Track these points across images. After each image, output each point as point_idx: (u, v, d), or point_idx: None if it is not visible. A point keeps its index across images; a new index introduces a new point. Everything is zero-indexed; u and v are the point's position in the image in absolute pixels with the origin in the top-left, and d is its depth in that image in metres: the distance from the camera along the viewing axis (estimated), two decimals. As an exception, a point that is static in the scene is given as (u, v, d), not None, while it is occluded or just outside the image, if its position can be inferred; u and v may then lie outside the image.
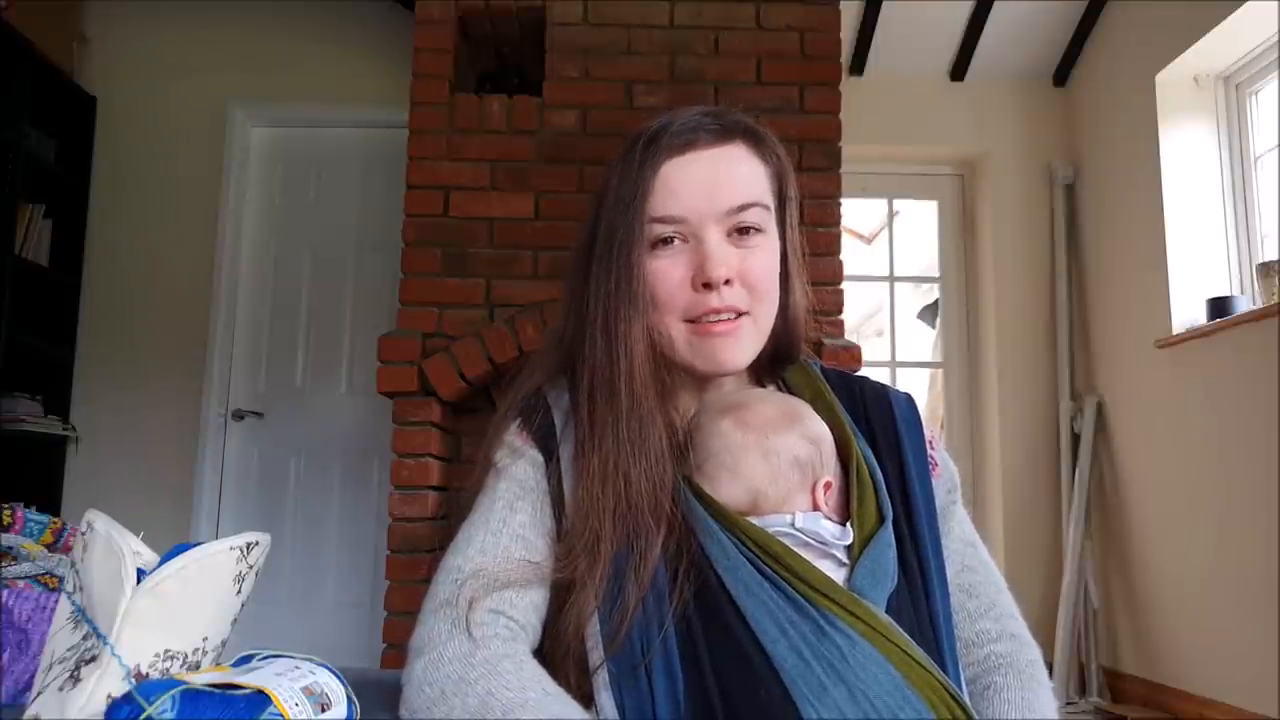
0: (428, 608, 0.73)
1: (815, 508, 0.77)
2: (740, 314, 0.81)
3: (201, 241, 3.48)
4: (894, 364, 3.82)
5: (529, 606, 0.74)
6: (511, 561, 0.74)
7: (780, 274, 0.84)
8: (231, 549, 0.67)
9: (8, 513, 1.06)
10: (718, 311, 0.79)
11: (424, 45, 2.88)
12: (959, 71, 3.66)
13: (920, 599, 0.75)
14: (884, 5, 3.42)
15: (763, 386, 0.89)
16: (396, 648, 2.61)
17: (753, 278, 0.80)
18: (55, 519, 1.09)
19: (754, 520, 0.74)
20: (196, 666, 0.66)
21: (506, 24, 3.00)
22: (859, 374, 0.93)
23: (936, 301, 3.96)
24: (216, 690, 0.58)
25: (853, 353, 2.67)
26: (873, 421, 0.84)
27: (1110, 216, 3.41)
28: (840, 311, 2.77)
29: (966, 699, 0.71)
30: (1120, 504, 3.27)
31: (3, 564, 0.95)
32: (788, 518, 0.75)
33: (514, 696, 0.66)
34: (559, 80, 2.87)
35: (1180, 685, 2.90)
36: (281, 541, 3.31)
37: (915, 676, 0.67)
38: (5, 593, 0.83)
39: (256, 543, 0.70)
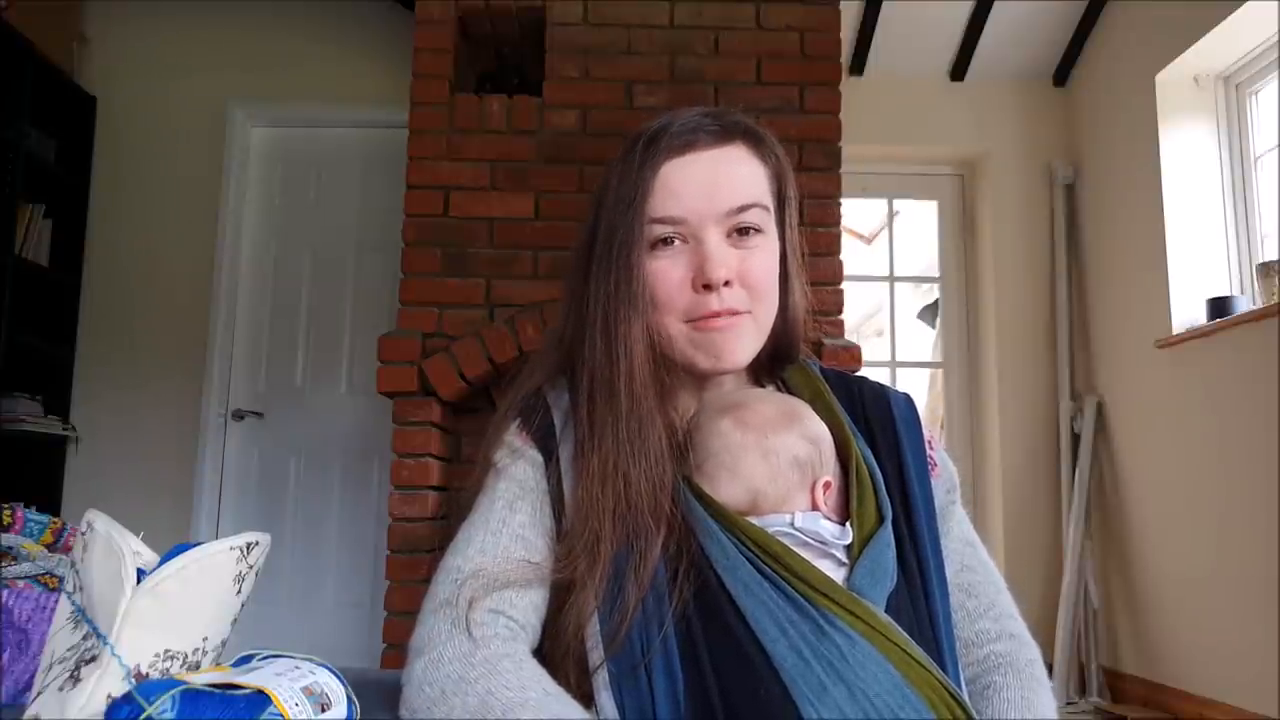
0: (427, 608, 0.73)
1: (814, 507, 0.77)
2: (741, 313, 0.81)
3: (201, 241, 3.48)
4: (894, 364, 3.82)
5: (529, 606, 0.74)
6: (511, 561, 0.74)
7: (780, 274, 0.84)
8: (231, 549, 0.67)
9: (8, 513, 1.06)
10: (718, 314, 0.79)
11: (424, 45, 2.88)
12: (959, 71, 3.66)
13: (920, 599, 0.75)
14: (884, 5, 3.42)
15: (762, 387, 0.89)
16: (396, 648, 2.61)
17: (752, 278, 0.81)
18: (55, 519, 1.09)
19: (753, 520, 0.74)
20: (196, 666, 0.66)
21: (506, 24, 3.00)
22: (858, 374, 0.93)
23: (936, 301, 3.96)
24: (216, 690, 0.58)
25: (853, 353, 2.67)
26: (872, 421, 0.84)
27: (1110, 216, 3.41)
28: (840, 311, 2.77)
29: (966, 698, 0.71)
30: (1120, 504, 3.27)
31: (3, 564, 0.95)
32: (787, 517, 0.75)
33: (514, 696, 0.66)
34: (559, 80, 2.87)
35: (1180, 685, 2.90)
36: (281, 541, 3.31)
37: (915, 676, 0.67)
38: (5, 593, 0.83)
39: (256, 543, 0.70)
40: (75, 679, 0.61)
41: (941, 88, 3.70)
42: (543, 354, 0.88)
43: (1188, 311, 2.99)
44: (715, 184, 0.80)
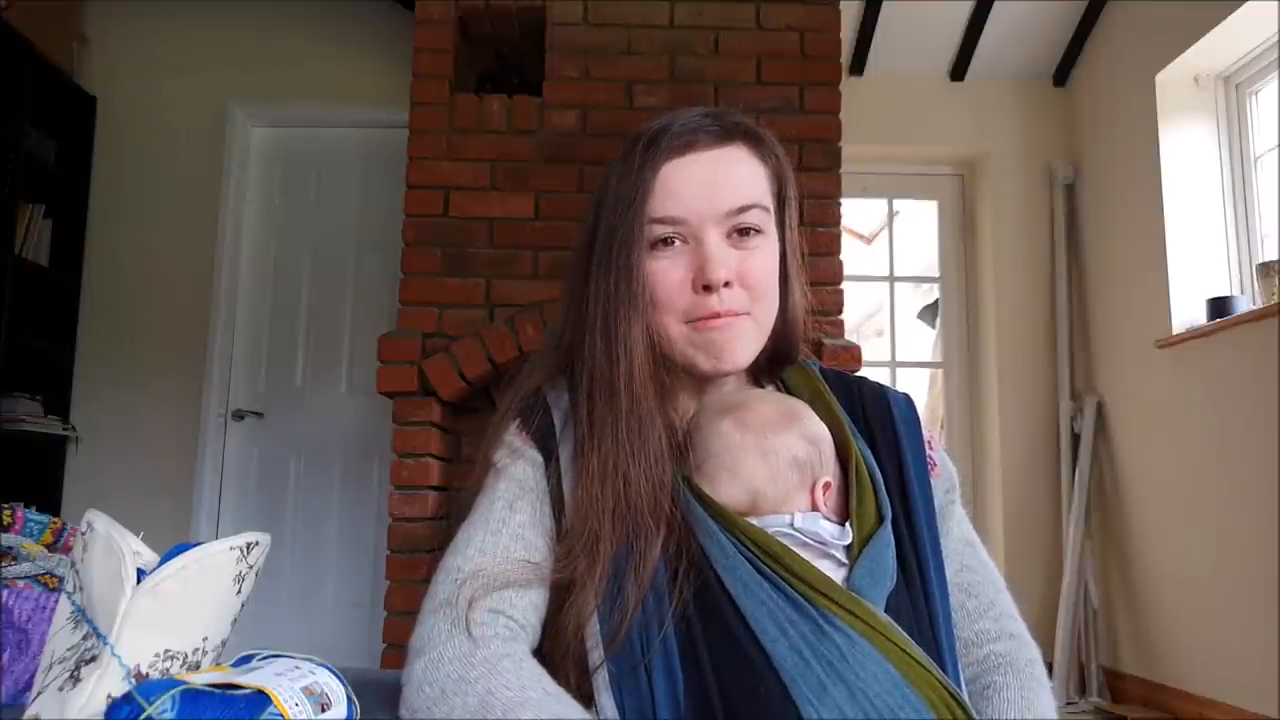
0: (427, 608, 0.73)
1: (814, 508, 0.77)
2: (741, 314, 0.81)
3: (201, 241, 3.48)
4: (894, 364, 3.82)
5: (528, 606, 0.74)
6: (511, 561, 0.74)
7: (780, 275, 0.85)
8: (231, 549, 0.67)
9: (8, 513, 1.06)
10: (718, 315, 0.79)
11: (424, 45, 2.88)
12: (959, 71, 3.66)
13: (919, 598, 0.75)
14: (884, 5, 3.42)
15: (762, 387, 0.89)
16: (396, 648, 2.61)
17: (752, 279, 0.81)
18: (55, 519, 1.09)
19: (753, 520, 0.74)
20: (196, 666, 0.66)
21: (506, 24, 3.00)
22: (858, 374, 0.93)
23: (936, 301, 3.96)
24: (216, 690, 0.58)
25: (853, 353, 2.67)
26: (871, 421, 0.84)
27: (1110, 216, 3.41)
28: (840, 311, 2.77)
29: (966, 698, 0.71)
30: (1120, 504, 3.27)
31: (3, 564, 0.95)
32: (787, 518, 0.75)
33: (514, 696, 0.66)
34: (559, 80, 2.87)
35: (1180, 685, 2.90)
36: (281, 541, 3.31)
37: (915, 676, 0.67)
38: (5, 593, 0.83)
39: (256, 543, 0.70)
40: (75, 679, 0.61)
41: (941, 88, 3.70)
42: (542, 354, 0.88)
43: (1188, 311, 2.99)
44: (715, 184, 0.80)
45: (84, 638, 0.63)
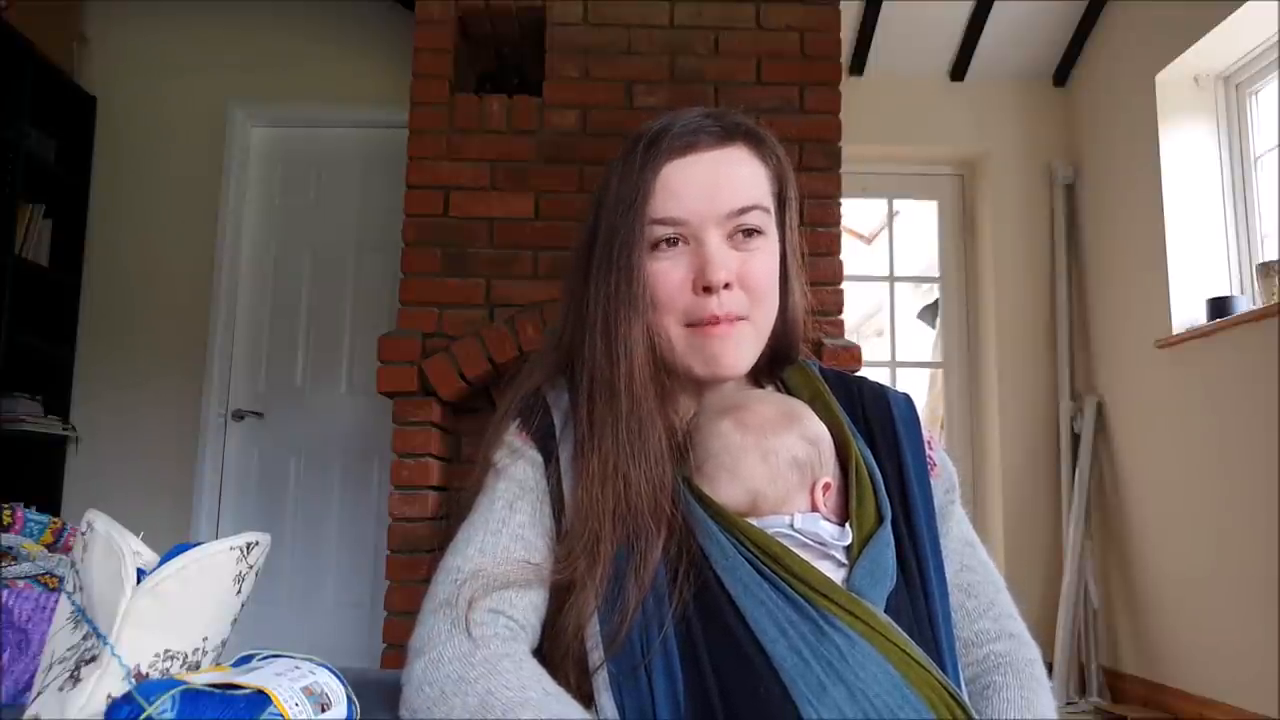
0: (427, 608, 0.73)
1: (814, 509, 0.77)
2: (739, 319, 0.81)
3: (201, 241, 3.48)
4: (894, 364, 3.82)
5: (528, 606, 0.74)
6: (511, 561, 0.74)
7: (780, 275, 0.84)
8: (231, 549, 0.67)
9: (8, 513, 1.06)
10: (717, 318, 0.79)
11: (424, 45, 2.88)
12: (959, 71, 3.66)
13: (919, 599, 0.75)
14: (884, 5, 3.42)
15: (761, 387, 0.89)
16: (396, 648, 2.61)
17: (752, 281, 0.81)
18: (55, 519, 1.09)
19: (753, 521, 0.74)
20: (196, 666, 0.66)
21: (506, 24, 3.00)
22: (857, 374, 0.93)
23: (936, 301, 3.96)
24: (216, 690, 0.58)
25: (853, 353, 2.67)
26: (871, 422, 0.84)
27: (1110, 216, 3.41)
28: (840, 311, 2.77)
29: (966, 698, 0.71)
30: (1120, 504, 3.27)
31: (3, 564, 0.95)
32: (786, 519, 0.75)
33: (514, 696, 0.66)
34: (559, 80, 2.87)
35: (1180, 685, 2.90)
36: (281, 541, 3.31)
37: (914, 676, 0.67)
38: (5, 593, 0.83)
39: (256, 543, 0.70)
40: (75, 679, 0.61)
41: (941, 88, 3.70)
42: (542, 354, 0.88)
43: (1188, 311, 2.99)
44: (716, 185, 0.80)
45: (84, 638, 0.63)
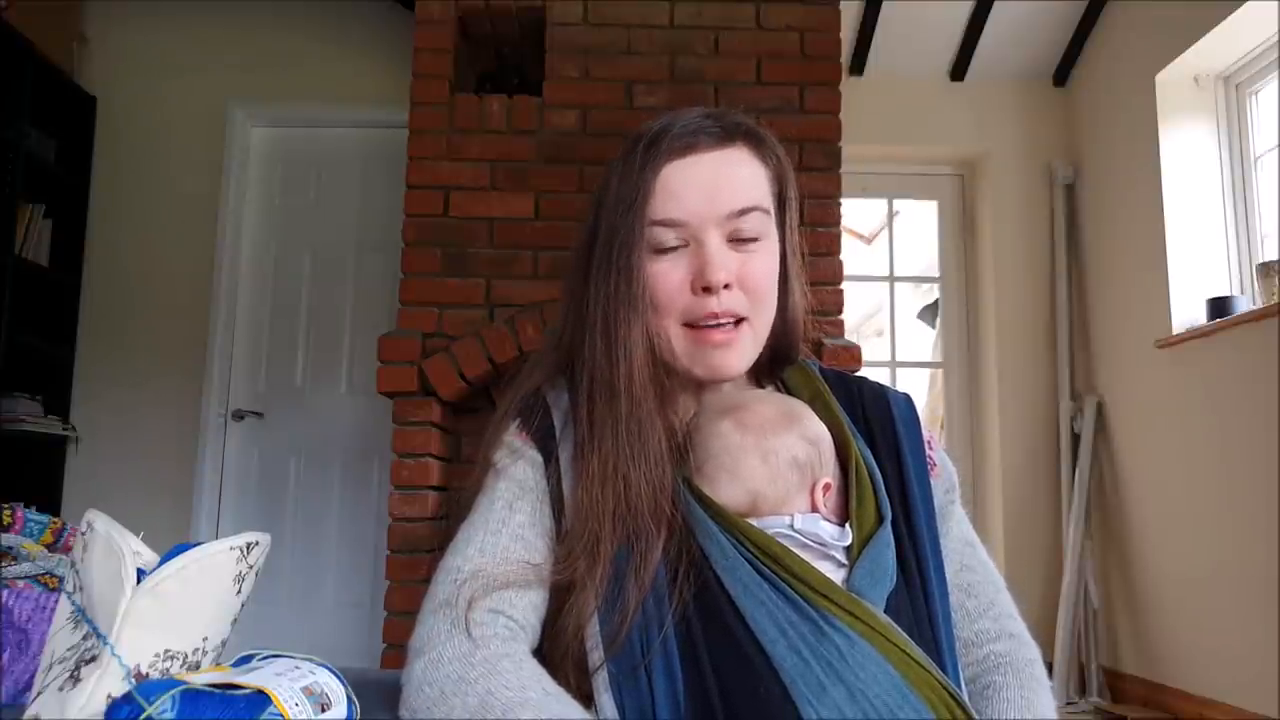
0: (427, 608, 0.73)
1: (814, 509, 0.77)
2: (739, 320, 0.81)
3: (201, 241, 3.48)
4: (894, 364, 3.82)
5: (528, 606, 0.74)
6: (511, 561, 0.74)
7: (780, 275, 0.85)
8: (231, 549, 0.67)
9: (8, 513, 1.06)
10: (716, 317, 0.79)
11: (424, 45, 2.88)
12: (959, 71, 3.66)
13: (919, 599, 0.75)
14: (884, 5, 3.42)
15: (761, 387, 0.89)
16: (396, 648, 2.61)
17: (752, 282, 0.81)
18: (55, 519, 1.09)
19: (753, 521, 0.74)
20: (196, 666, 0.66)
21: (506, 24, 3.00)
22: (858, 374, 0.93)
23: (936, 301, 3.96)
24: (216, 690, 0.58)
25: (853, 353, 2.67)
26: (871, 422, 0.84)
27: (1110, 216, 3.41)
28: (840, 311, 2.77)
29: (966, 699, 0.71)
30: (1120, 504, 3.27)
31: (3, 564, 0.95)
32: (786, 519, 0.75)
33: (514, 695, 0.66)
34: (559, 80, 2.87)
35: (1180, 685, 2.90)
36: (281, 541, 3.31)
37: (914, 676, 0.67)
38: (5, 593, 0.83)
39: (256, 543, 0.70)
40: (75, 679, 0.61)
41: (941, 88, 3.70)
42: (542, 354, 0.88)
43: (1188, 311, 2.99)
44: (716, 187, 0.79)
45: (84, 638, 0.63)
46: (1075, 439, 3.42)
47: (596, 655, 0.71)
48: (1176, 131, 3.11)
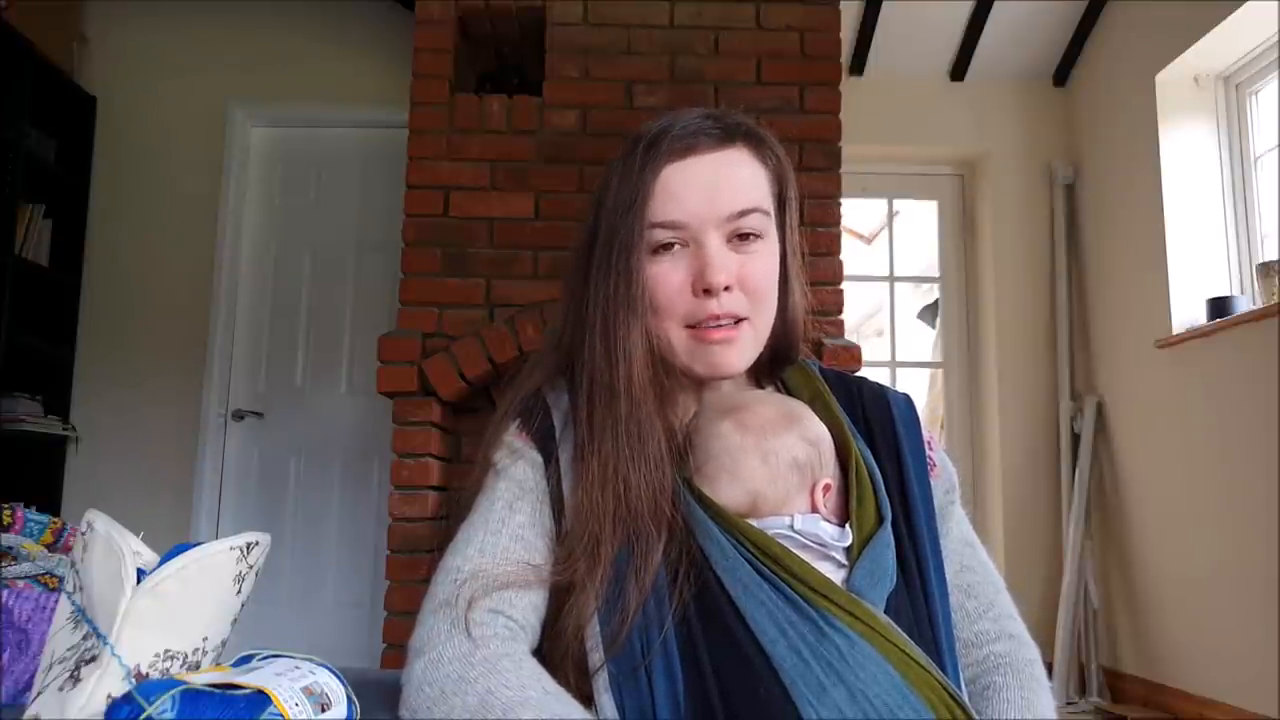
0: (427, 608, 0.73)
1: (814, 509, 0.77)
2: (739, 320, 0.81)
3: (201, 241, 3.48)
4: (894, 364, 3.82)
5: (528, 606, 0.74)
6: (511, 562, 0.74)
7: (780, 276, 0.84)
8: (231, 549, 0.67)
9: (8, 513, 1.06)
10: (717, 318, 0.79)
11: (424, 45, 2.88)
12: (959, 71, 3.66)
13: (919, 599, 0.75)
14: (884, 5, 3.42)
15: (761, 387, 0.89)
16: (396, 648, 2.61)
17: (752, 283, 0.81)
18: (55, 519, 1.09)
19: (753, 522, 0.74)
20: (196, 666, 0.66)
21: (506, 24, 3.00)
22: (857, 374, 0.93)
23: (936, 301, 3.96)
24: (216, 690, 0.58)
25: (853, 353, 2.67)
26: (871, 422, 0.84)
27: (1110, 216, 3.41)
28: (840, 311, 2.77)
29: (966, 699, 0.71)
30: (1120, 504, 3.27)
31: (3, 564, 0.95)
32: (787, 519, 0.75)
33: (514, 695, 0.66)
34: (559, 80, 2.87)
35: (1180, 685, 2.90)
36: (281, 541, 3.31)
37: (914, 676, 0.67)
38: (5, 593, 0.83)
39: (256, 543, 0.70)
40: (75, 679, 0.61)
41: (941, 88, 3.70)
42: (542, 354, 0.88)
43: (1188, 311, 2.99)
44: (716, 188, 0.79)
45: (84, 638, 0.63)
46: (1075, 439, 3.42)
47: (597, 656, 0.71)
48: (1176, 131, 3.11)
